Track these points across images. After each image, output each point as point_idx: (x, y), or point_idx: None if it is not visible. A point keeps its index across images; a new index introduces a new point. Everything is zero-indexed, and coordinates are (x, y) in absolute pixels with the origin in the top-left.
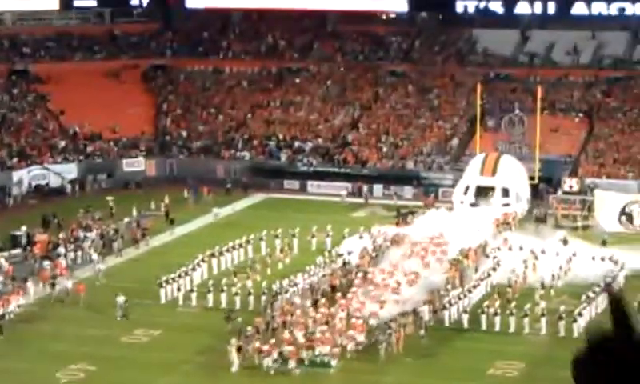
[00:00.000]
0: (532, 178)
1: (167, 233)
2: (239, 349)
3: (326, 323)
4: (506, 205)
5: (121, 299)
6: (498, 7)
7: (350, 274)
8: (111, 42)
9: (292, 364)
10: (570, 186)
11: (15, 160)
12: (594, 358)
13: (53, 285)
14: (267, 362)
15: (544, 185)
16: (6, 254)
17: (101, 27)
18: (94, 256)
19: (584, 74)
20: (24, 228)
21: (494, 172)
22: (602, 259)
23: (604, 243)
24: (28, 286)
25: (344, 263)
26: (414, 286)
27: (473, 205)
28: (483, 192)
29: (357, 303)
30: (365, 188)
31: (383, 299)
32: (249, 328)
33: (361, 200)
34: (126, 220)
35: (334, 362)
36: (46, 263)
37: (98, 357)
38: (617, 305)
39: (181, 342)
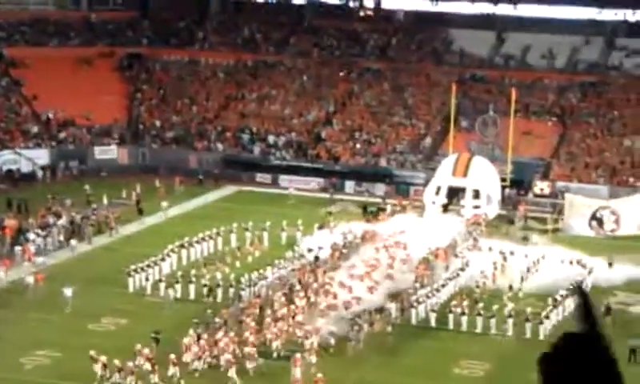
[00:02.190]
0: (503, 180)
1: (137, 222)
2: (198, 338)
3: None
4: (477, 207)
5: (68, 291)
6: (475, 8)
7: (318, 269)
8: (87, 28)
9: (250, 362)
10: (542, 189)
11: None
12: (563, 356)
13: None
14: (223, 358)
15: (511, 190)
16: None
17: (77, 13)
18: (73, 242)
19: (559, 78)
20: None
21: (465, 173)
22: (571, 263)
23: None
24: None
25: (316, 258)
26: (372, 294)
27: (445, 206)
28: (454, 193)
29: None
30: (331, 184)
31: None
32: (216, 320)
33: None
34: (93, 207)
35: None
36: (17, 248)
37: (64, 344)
38: (585, 303)
39: (147, 331)
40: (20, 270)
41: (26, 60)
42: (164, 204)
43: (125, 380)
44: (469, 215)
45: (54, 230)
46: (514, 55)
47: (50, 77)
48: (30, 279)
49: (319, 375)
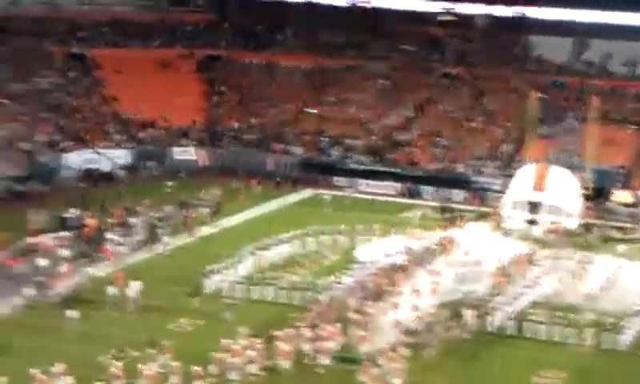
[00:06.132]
0: (586, 188)
1: (213, 224)
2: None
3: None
4: (554, 222)
5: (135, 286)
6: (556, 14)
7: (394, 275)
8: (167, 30)
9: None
10: (622, 198)
11: (67, 143)
12: None
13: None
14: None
15: (597, 200)
16: (54, 235)
17: (157, 15)
18: (166, 238)
19: (639, 86)
20: (73, 211)
21: (542, 187)
22: None
23: None
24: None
25: (392, 264)
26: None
27: (529, 222)
28: (533, 206)
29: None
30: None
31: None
32: (299, 324)
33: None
34: (169, 208)
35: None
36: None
37: (144, 342)
38: None
39: (224, 333)
40: (100, 268)
41: (107, 61)
42: (204, 210)
43: None
44: (546, 227)
45: (133, 229)
46: (594, 62)
47: (131, 78)
48: (113, 289)
49: None
